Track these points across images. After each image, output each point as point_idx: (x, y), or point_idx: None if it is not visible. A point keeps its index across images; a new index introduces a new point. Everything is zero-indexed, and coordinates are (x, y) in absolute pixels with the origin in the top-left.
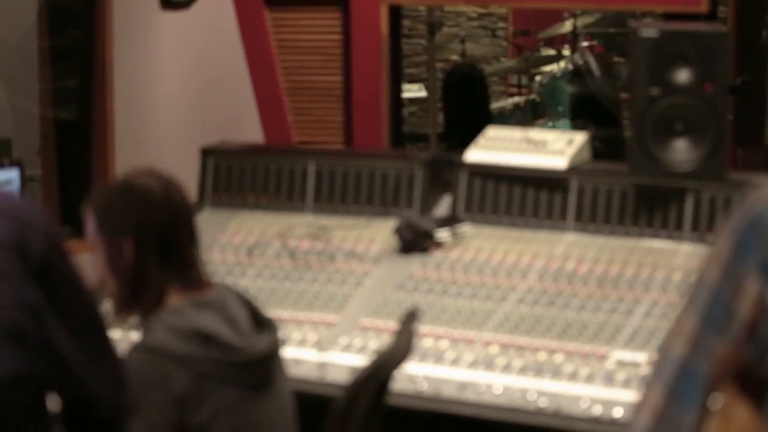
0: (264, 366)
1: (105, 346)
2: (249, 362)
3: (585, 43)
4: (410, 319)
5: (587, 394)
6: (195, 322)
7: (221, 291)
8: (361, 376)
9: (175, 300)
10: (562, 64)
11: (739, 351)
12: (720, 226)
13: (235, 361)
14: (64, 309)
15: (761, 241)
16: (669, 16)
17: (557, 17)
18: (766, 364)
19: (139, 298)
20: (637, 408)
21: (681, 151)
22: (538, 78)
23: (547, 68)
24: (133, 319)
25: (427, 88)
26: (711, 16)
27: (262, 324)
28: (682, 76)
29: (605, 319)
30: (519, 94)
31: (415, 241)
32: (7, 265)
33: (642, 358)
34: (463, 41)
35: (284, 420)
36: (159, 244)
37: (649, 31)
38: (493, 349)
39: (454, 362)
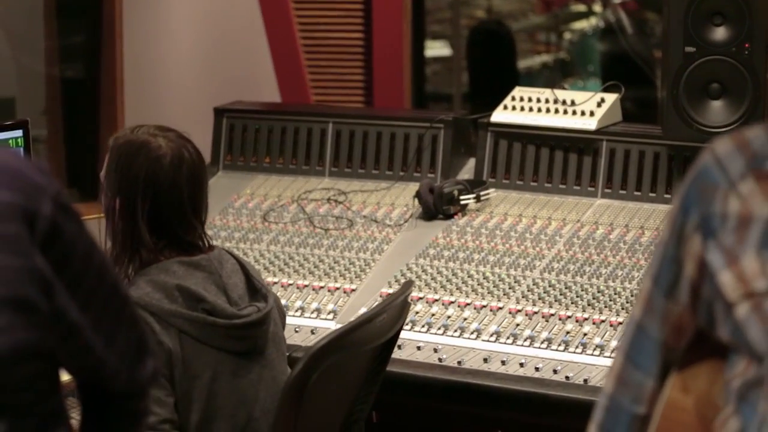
0: (251, 334)
1: (121, 316)
2: (232, 327)
3: None
4: (405, 287)
5: None
6: (180, 281)
7: (218, 255)
8: (323, 342)
9: (167, 260)
10: (593, 20)
11: (689, 314)
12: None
13: (217, 323)
14: (76, 278)
15: (702, 197)
16: None
17: None
18: (717, 327)
19: (131, 255)
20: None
21: (717, 112)
22: (567, 35)
23: (577, 25)
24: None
25: (452, 46)
26: None
27: (257, 292)
28: (719, 33)
29: (637, 288)
30: (547, 52)
31: (437, 207)
32: (14, 231)
33: None
34: None
35: (272, 393)
36: (154, 205)
37: None
38: (519, 319)
39: (478, 333)
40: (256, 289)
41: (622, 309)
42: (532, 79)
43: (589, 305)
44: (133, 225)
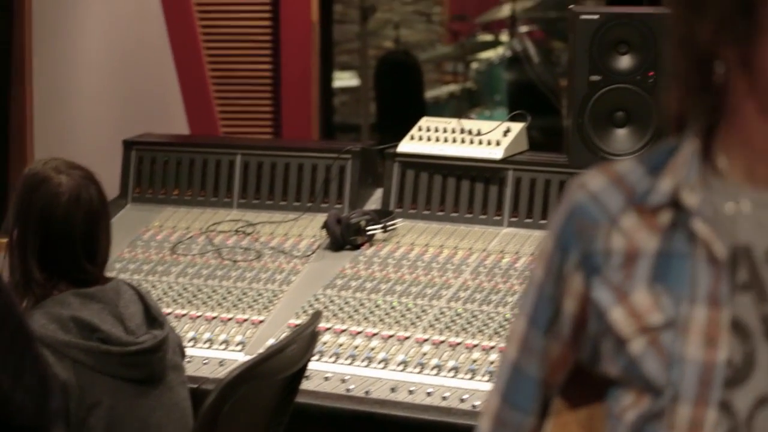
0: (147, 360)
1: (26, 354)
2: (128, 355)
3: (524, 28)
4: (313, 318)
5: None
6: (75, 312)
7: (115, 286)
8: (233, 374)
9: (63, 292)
10: (500, 50)
11: (570, 350)
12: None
13: (112, 352)
14: None
15: (581, 235)
16: None
17: (495, 1)
18: (600, 363)
19: (24, 290)
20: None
21: (622, 140)
22: (474, 65)
23: (484, 55)
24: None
25: (360, 77)
26: None
27: (155, 321)
28: (624, 62)
29: None
30: (455, 82)
31: (345, 237)
32: None
33: None
34: (397, 27)
35: (174, 419)
36: (45, 242)
37: (589, 14)
38: (426, 348)
39: (386, 362)
40: (154, 318)
41: None
42: (439, 108)
43: (495, 333)
44: (25, 260)
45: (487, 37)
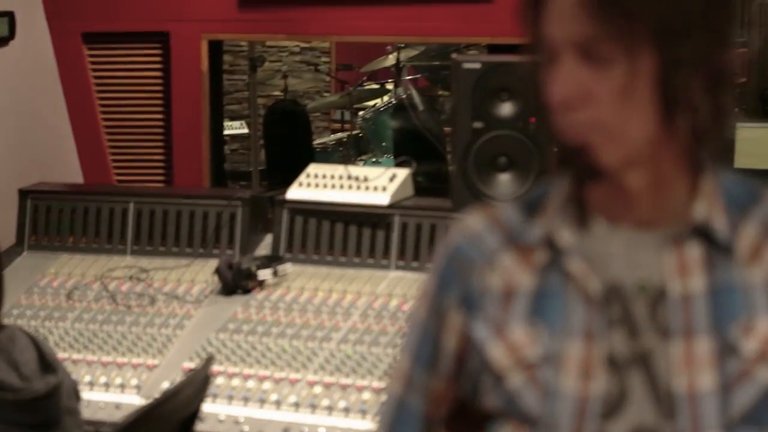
0: (41, 407)
1: None
2: (22, 401)
3: (409, 77)
4: (206, 362)
5: None
6: None
7: (10, 333)
8: (131, 418)
9: None
10: (386, 98)
11: (452, 386)
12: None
13: (6, 399)
14: None
15: (460, 274)
16: (494, 48)
17: (380, 51)
18: (480, 398)
19: None
20: None
21: (504, 185)
22: (361, 113)
23: (371, 103)
24: None
25: (249, 125)
26: None
27: (49, 367)
28: (505, 109)
29: None
30: (342, 129)
31: (236, 282)
32: None
33: None
34: (285, 76)
35: None
36: None
37: (472, 62)
38: (318, 390)
39: (278, 404)
40: (48, 364)
41: None
42: (327, 155)
43: (385, 374)
44: None
45: (373, 86)
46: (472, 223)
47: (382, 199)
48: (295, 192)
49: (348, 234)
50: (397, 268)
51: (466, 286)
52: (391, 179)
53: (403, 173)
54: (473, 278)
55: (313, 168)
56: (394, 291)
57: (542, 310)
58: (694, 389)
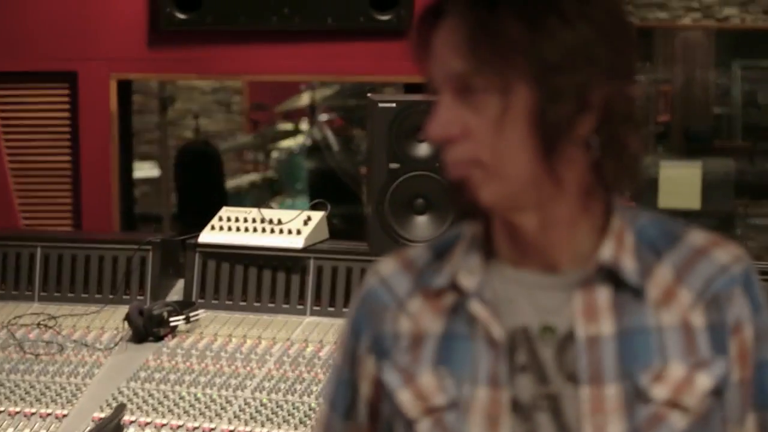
0: None
1: None
2: None
3: (324, 117)
4: (117, 411)
5: None
6: None
7: None
8: None
9: None
10: (300, 138)
11: None
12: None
13: None
14: None
15: (373, 319)
16: (411, 87)
17: (294, 90)
18: None
19: None
20: None
21: (422, 227)
22: (275, 154)
23: (285, 143)
24: None
25: (160, 167)
26: None
27: None
28: (422, 149)
29: None
30: (255, 170)
31: (147, 329)
32: None
33: None
34: (196, 117)
35: None
36: None
37: (387, 102)
38: None
39: None
40: None
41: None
42: (240, 198)
43: (300, 423)
44: None
45: (287, 126)
46: (385, 267)
47: (297, 242)
48: (207, 236)
49: (262, 278)
50: (313, 313)
51: (377, 332)
52: (306, 222)
53: (318, 216)
54: (385, 323)
55: (225, 211)
56: (309, 336)
57: (449, 356)
58: None
